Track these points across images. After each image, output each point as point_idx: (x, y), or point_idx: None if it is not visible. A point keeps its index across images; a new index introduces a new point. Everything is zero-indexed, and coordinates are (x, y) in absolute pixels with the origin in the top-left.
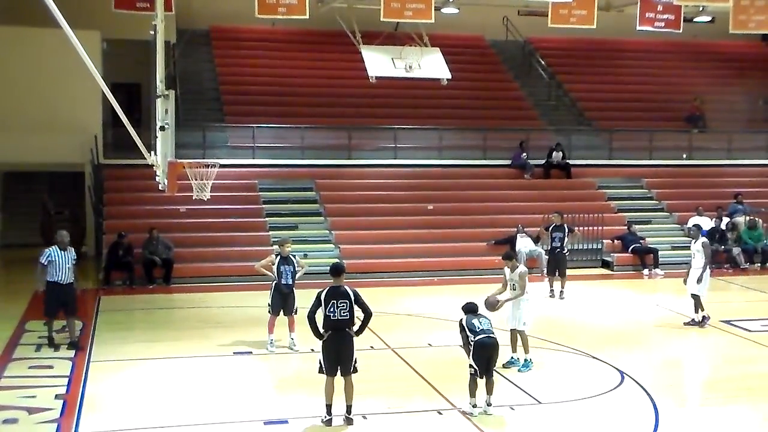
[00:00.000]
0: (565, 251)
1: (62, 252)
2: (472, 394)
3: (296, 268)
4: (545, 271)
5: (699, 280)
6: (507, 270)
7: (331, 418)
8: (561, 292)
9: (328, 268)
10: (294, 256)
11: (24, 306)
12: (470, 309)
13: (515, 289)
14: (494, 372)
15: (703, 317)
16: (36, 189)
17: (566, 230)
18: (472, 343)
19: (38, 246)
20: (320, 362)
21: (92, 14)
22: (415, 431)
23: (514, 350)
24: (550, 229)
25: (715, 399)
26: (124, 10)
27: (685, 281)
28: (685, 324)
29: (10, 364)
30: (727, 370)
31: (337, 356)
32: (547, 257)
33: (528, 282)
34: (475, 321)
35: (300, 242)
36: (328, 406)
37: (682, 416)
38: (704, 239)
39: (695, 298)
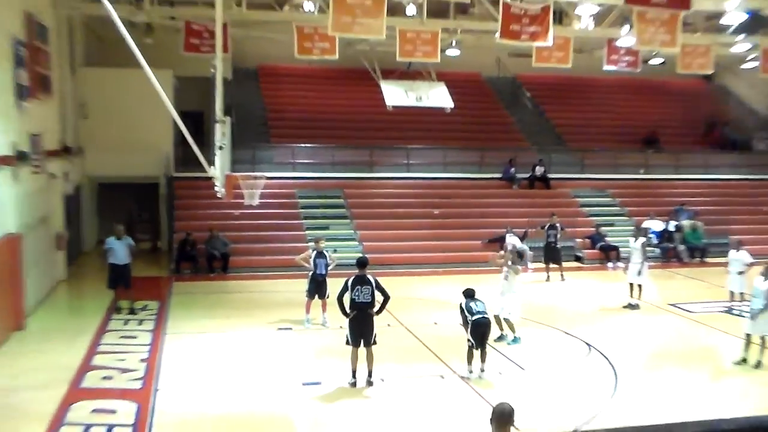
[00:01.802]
0: (558, 245)
1: (118, 241)
2: (469, 362)
3: (328, 261)
4: (528, 264)
5: (638, 273)
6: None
7: (356, 381)
8: (561, 275)
9: (355, 261)
10: (327, 251)
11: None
12: (469, 294)
13: (507, 279)
14: (487, 345)
15: (637, 304)
16: (123, 197)
17: (559, 228)
18: (469, 322)
19: None
20: (347, 336)
21: (166, 56)
22: (422, 392)
23: (501, 329)
24: (547, 227)
25: (662, 365)
26: (191, 53)
27: (625, 271)
28: (623, 307)
29: (106, 334)
30: (673, 343)
31: (361, 331)
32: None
33: (518, 276)
34: (472, 304)
35: (330, 240)
36: (353, 371)
37: (637, 379)
38: (643, 239)
39: (632, 286)
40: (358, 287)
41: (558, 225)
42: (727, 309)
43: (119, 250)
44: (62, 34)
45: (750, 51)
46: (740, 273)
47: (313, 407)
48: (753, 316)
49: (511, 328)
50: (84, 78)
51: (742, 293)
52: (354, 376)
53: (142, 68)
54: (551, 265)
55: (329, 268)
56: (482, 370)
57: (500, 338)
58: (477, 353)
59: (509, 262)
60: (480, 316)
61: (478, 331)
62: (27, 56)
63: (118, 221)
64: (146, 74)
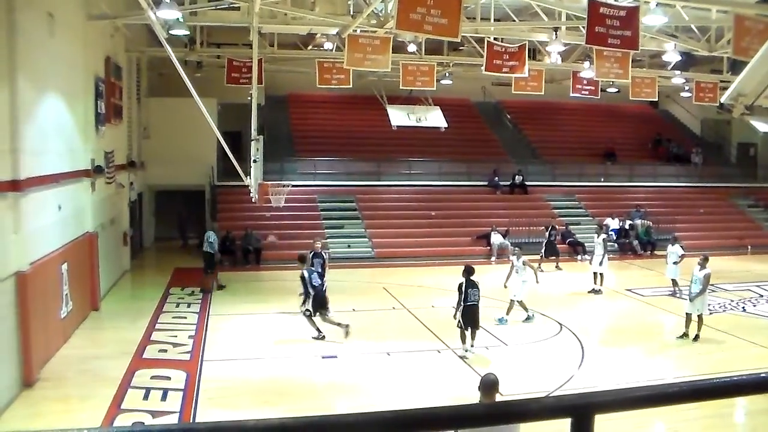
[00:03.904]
0: (556, 241)
1: (216, 235)
2: (463, 341)
3: (325, 260)
4: (509, 258)
5: (600, 264)
6: (514, 258)
7: (323, 335)
8: (557, 266)
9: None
10: (325, 252)
11: (168, 277)
12: (469, 271)
13: (518, 273)
14: (479, 326)
15: (600, 289)
16: (175, 201)
17: (556, 228)
18: (462, 305)
19: (176, 239)
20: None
21: (212, 87)
22: (422, 364)
23: (525, 310)
24: (550, 228)
25: (620, 340)
26: (232, 84)
27: (590, 262)
28: (588, 292)
29: (161, 315)
30: (628, 321)
31: (320, 304)
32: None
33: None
34: (470, 290)
35: (345, 237)
36: (317, 329)
37: (599, 352)
38: (604, 235)
39: (595, 275)
40: (314, 261)
41: (557, 226)
42: (671, 293)
43: (216, 241)
44: (132, 71)
45: (686, 83)
46: (675, 263)
47: (331, 376)
48: (692, 298)
49: (509, 309)
50: (147, 106)
51: (676, 279)
52: (319, 332)
53: (193, 97)
54: (550, 258)
55: (325, 270)
56: (472, 346)
57: (528, 318)
58: (468, 333)
59: (519, 260)
60: (473, 303)
61: (469, 314)
62: (105, 90)
63: (190, 226)
64: (196, 102)
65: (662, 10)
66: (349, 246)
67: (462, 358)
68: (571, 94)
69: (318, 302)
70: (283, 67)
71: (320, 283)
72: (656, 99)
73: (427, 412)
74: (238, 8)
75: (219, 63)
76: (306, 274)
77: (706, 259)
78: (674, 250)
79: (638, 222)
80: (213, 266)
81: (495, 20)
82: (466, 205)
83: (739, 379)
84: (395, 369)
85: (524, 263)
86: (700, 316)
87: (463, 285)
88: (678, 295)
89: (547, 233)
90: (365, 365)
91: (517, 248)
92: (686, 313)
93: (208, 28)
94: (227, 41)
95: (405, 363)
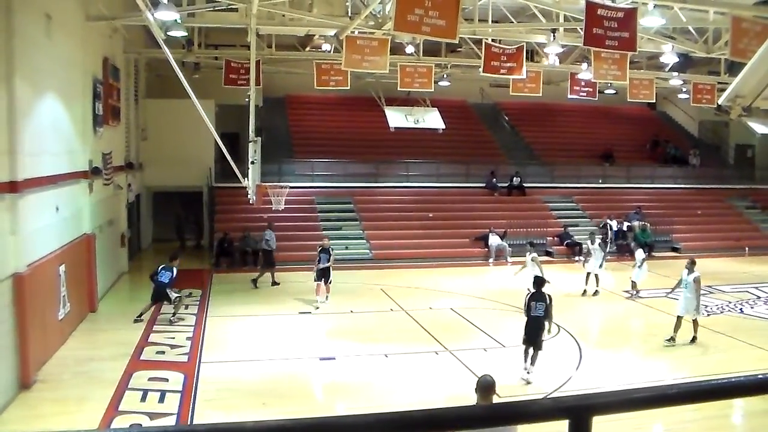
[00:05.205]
0: (608, 241)
1: (273, 233)
2: (525, 360)
3: (330, 256)
4: (507, 259)
5: (601, 266)
6: (527, 254)
7: (143, 320)
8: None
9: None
10: (331, 248)
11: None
12: (538, 283)
13: (529, 267)
14: (538, 346)
15: (596, 291)
16: (173, 203)
17: (609, 227)
18: (527, 318)
19: (174, 240)
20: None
21: (210, 88)
22: (419, 365)
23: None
24: (602, 225)
25: (617, 342)
26: (229, 86)
27: (583, 265)
28: (592, 294)
29: (159, 316)
30: (625, 323)
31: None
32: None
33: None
34: (532, 303)
35: (343, 239)
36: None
37: (597, 354)
38: (599, 240)
39: (596, 276)
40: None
41: (609, 222)
42: (629, 295)
43: (272, 239)
44: (129, 72)
45: (683, 85)
46: (639, 266)
47: (329, 378)
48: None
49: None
50: (145, 107)
51: (634, 282)
52: (139, 316)
53: (191, 99)
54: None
55: (330, 262)
56: (530, 367)
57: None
58: (529, 351)
59: (529, 256)
60: (534, 315)
61: (527, 328)
62: (103, 91)
63: (188, 227)
64: (194, 103)
65: (660, 12)
66: (346, 248)
67: (525, 380)
68: (569, 96)
69: (155, 294)
70: (281, 69)
71: (168, 279)
72: (654, 100)
73: (427, 414)
74: (236, 10)
75: (217, 64)
76: (158, 269)
77: (693, 263)
78: (638, 255)
79: (636, 223)
80: (272, 264)
81: (493, 22)
82: (464, 207)
83: (737, 380)
84: (393, 370)
85: (533, 259)
86: (694, 320)
87: (527, 298)
88: (633, 298)
89: (599, 230)
90: (363, 367)
91: (528, 244)
92: (677, 317)
93: (205, 30)
94: (225, 43)
95: (403, 364)
